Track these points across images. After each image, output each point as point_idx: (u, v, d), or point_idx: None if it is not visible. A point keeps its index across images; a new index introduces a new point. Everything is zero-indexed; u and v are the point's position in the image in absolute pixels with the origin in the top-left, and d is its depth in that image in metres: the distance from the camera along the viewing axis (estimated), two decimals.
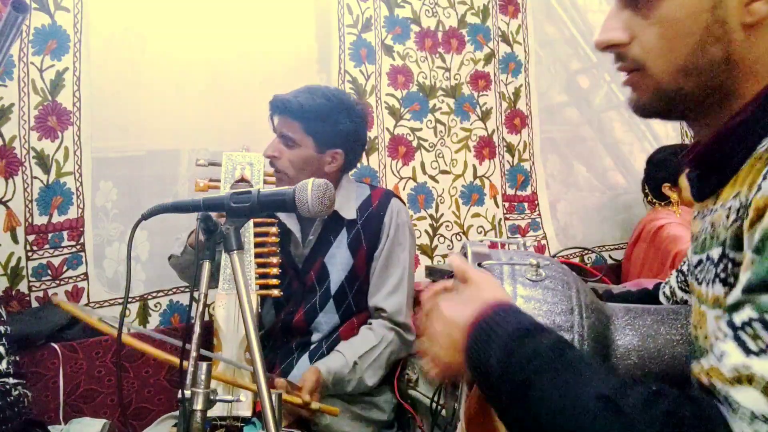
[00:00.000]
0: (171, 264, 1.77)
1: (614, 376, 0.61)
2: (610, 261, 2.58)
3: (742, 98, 0.69)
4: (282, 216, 1.68)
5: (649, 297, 1.11)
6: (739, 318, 0.56)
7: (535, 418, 0.63)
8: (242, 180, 1.62)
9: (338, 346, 1.63)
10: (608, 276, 2.14)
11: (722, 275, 0.66)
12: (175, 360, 1.25)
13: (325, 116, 1.59)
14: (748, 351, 0.54)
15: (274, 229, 1.63)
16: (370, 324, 1.67)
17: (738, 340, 0.55)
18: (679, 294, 1.02)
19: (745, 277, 0.57)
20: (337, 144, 1.64)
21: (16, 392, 1.31)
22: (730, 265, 0.65)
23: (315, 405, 1.42)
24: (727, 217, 0.66)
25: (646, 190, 2.43)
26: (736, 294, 0.58)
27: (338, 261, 1.67)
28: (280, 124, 1.64)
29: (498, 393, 0.67)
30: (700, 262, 0.74)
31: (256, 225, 1.62)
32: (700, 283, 0.74)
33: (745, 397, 0.52)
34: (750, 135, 0.66)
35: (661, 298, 1.08)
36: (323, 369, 1.52)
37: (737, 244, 0.63)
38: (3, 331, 1.37)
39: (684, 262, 1.02)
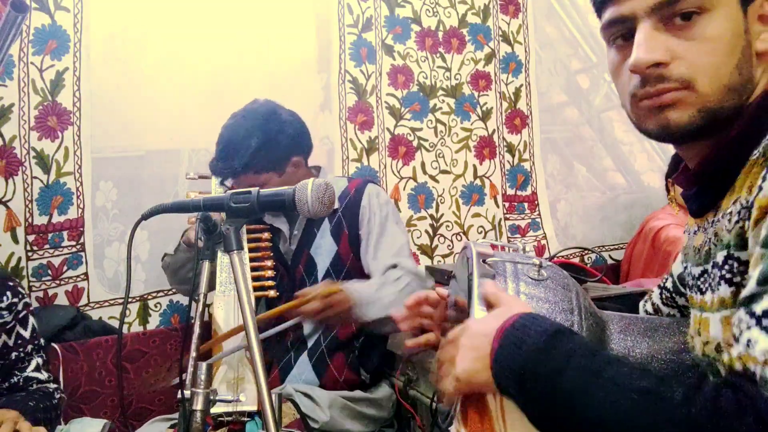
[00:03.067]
0: (164, 264, 1.78)
1: (653, 373, 0.64)
2: (610, 261, 2.58)
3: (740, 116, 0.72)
4: (268, 216, 1.69)
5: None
6: (759, 307, 0.59)
7: (573, 411, 0.64)
8: (232, 189, 1.63)
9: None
10: (608, 276, 2.13)
11: (727, 276, 0.68)
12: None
13: (264, 147, 1.58)
14: None
15: (266, 234, 1.66)
16: (386, 273, 1.64)
17: (763, 327, 0.58)
18: (665, 309, 1.03)
19: (757, 271, 0.60)
20: (289, 155, 1.65)
21: (58, 395, 1.45)
22: (735, 264, 0.67)
23: (313, 294, 1.43)
24: (729, 221, 0.68)
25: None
26: (751, 287, 0.61)
27: (323, 250, 1.68)
28: (236, 184, 1.63)
29: (529, 390, 0.68)
30: (703, 272, 0.76)
31: (248, 231, 1.64)
32: (703, 293, 0.75)
33: None
34: (745, 146, 0.69)
35: (642, 315, 1.07)
36: (346, 284, 1.53)
37: (741, 243, 0.66)
38: (43, 343, 1.49)
39: (666, 279, 1.03)
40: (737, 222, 0.66)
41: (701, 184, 0.77)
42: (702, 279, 0.76)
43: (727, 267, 0.68)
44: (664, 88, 0.71)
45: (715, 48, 0.70)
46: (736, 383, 0.59)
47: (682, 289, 0.98)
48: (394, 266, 1.65)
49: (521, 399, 0.69)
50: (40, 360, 1.46)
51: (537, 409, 0.68)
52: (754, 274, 0.61)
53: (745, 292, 0.62)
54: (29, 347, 1.44)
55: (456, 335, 0.80)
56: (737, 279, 0.67)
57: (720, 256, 0.70)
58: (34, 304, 1.82)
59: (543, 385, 0.66)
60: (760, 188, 0.62)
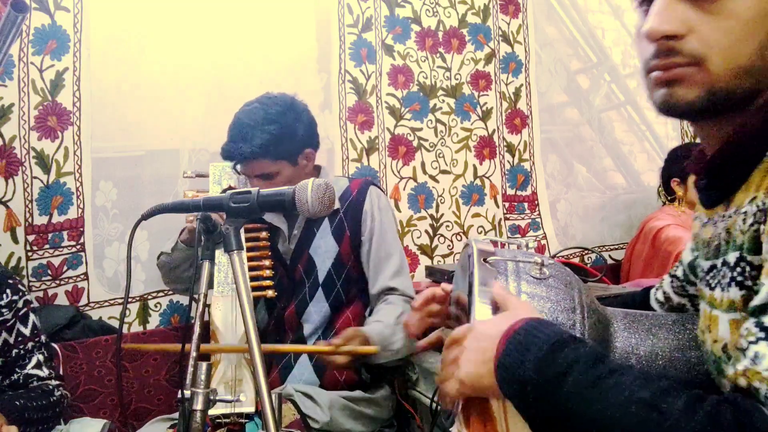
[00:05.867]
0: (159, 263, 1.78)
1: (655, 383, 0.62)
2: (610, 261, 2.58)
3: (756, 105, 0.68)
4: (267, 214, 1.69)
5: (641, 302, 1.10)
6: None
7: (572, 421, 0.64)
8: (230, 189, 1.63)
9: (366, 322, 1.66)
10: (608, 276, 2.13)
11: (739, 278, 0.67)
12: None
13: (282, 134, 1.59)
14: None
15: (264, 234, 1.66)
16: (387, 299, 1.69)
17: None
18: (675, 299, 1.02)
19: None
20: (303, 146, 1.66)
21: (59, 393, 1.45)
22: (747, 268, 0.66)
23: (347, 348, 1.46)
24: (744, 221, 0.66)
25: (660, 183, 2.44)
26: (762, 296, 0.59)
27: (323, 250, 1.69)
28: (249, 169, 1.62)
29: (531, 398, 0.67)
30: (713, 267, 0.75)
31: (246, 230, 1.64)
32: (713, 288, 0.74)
33: None
34: (760, 141, 0.67)
35: (653, 304, 1.07)
36: (364, 328, 1.57)
37: (755, 247, 0.64)
38: (44, 341, 1.50)
39: (677, 267, 1.02)
40: (752, 225, 0.65)
41: (710, 178, 0.75)
42: (711, 274, 0.75)
43: (738, 269, 0.67)
44: (673, 62, 0.68)
45: (735, 25, 0.65)
46: (736, 401, 0.58)
47: (692, 278, 0.96)
48: (393, 289, 1.69)
49: (523, 406, 0.69)
50: (41, 357, 1.46)
51: (538, 417, 0.67)
52: (766, 282, 0.59)
53: (755, 301, 0.60)
54: (30, 344, 1.45)
55: (461, 336, 0.79)
56: (749, 283, 0.66)
57: (732, 257, 0.68)
58: (34, 305, 1.82)
59: (544, 393, 0.66)
60: None
